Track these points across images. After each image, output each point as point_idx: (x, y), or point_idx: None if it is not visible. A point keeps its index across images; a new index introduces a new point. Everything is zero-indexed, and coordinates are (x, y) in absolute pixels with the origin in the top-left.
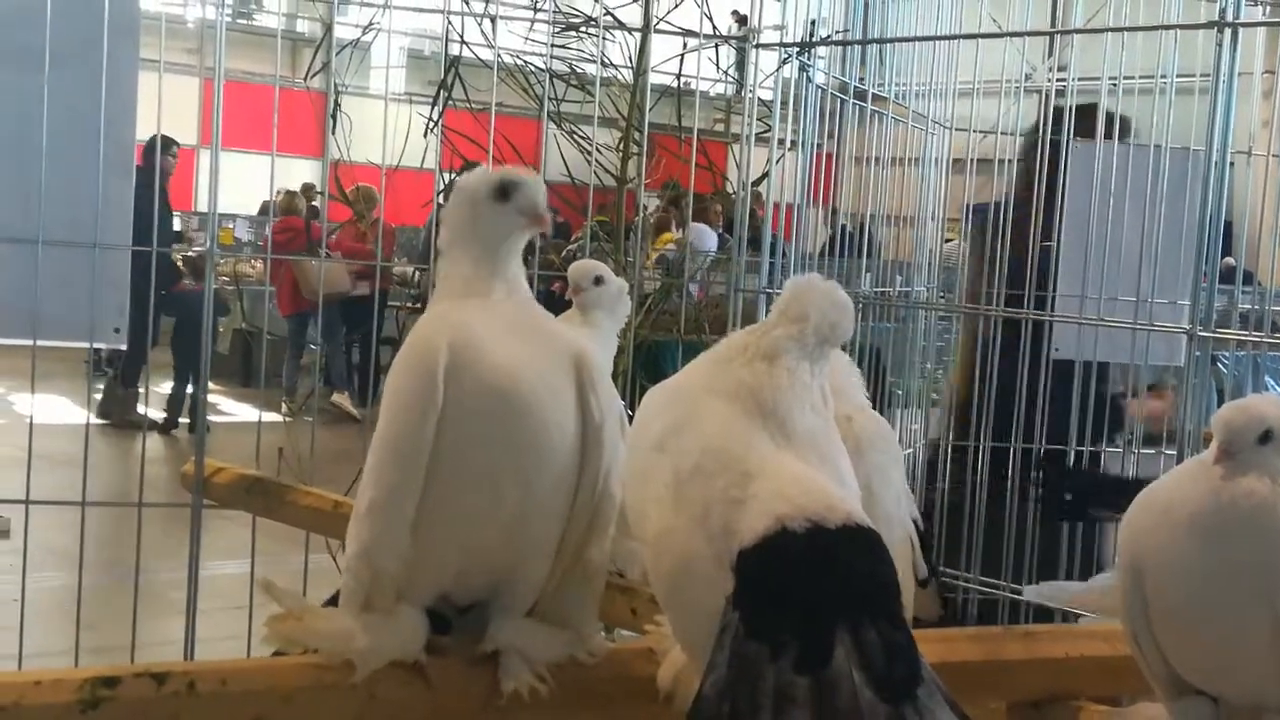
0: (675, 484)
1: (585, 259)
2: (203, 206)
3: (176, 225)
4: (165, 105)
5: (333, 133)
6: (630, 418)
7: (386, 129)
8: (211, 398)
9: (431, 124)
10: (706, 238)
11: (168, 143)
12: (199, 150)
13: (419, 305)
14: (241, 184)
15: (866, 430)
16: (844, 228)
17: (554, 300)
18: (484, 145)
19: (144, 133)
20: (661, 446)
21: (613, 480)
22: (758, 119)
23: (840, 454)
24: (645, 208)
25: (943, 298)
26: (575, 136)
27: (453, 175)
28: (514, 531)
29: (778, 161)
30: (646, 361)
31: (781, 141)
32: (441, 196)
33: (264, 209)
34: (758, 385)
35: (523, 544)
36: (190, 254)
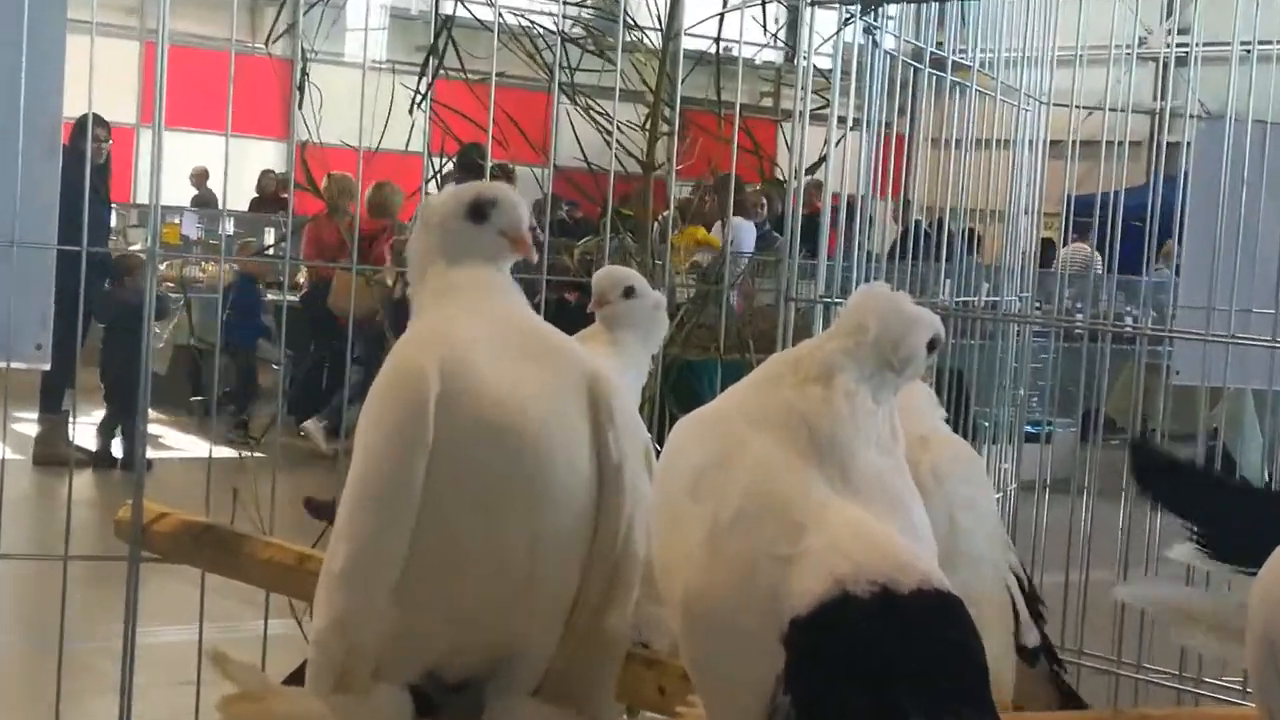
0: (712, 536)
1: (613, 265)
2: (143, 197)
3: (113, 221)
4: (99, 76)
5: (300, 108)
6: (658, 454)
7: (365, 104)
8: (152, 428)
9: (419, 98)
10: (744, 234)
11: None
12: (139, 130)
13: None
14: (189, 170)
15: (945, 454)
16: (918, 223)
17: (567, 312)
18: (482, 124)
19: (72, 109)
20: (695, 490)
21: (636, 532)
22: (813, 92)
23: (913, 499)
24: (677, 199)
25: (1038, 309)
26: (592, 113)
27: (444, 160)
28: (517, 595)
29: (837, 143)
30: (678, 386)
31: (842, 120)
32: (431, 185)
33: (199, 200)
34: (811, 413)
35: (527, 609)
36: (128, 253)
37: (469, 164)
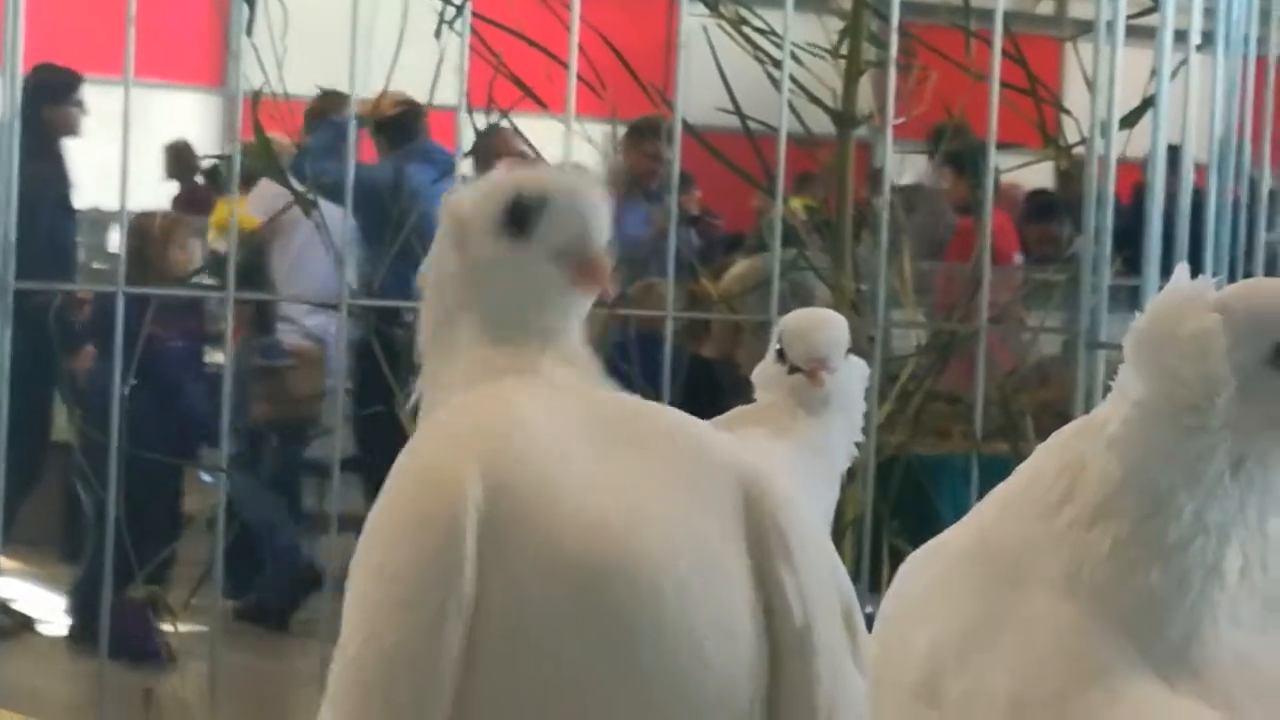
0: None
1: (817, 310)
2: None
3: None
4: None
5: (249, 34)
6: (869, 619)
7: (358, 23)
8: None
9: (449, 10)
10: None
11: (65, 80)
12: None
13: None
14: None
15: None
16: None
17: (704, 373)
18: (560, 57)
19: None
20: (931, 683)
21: None
22: None
23: None
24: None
25: None
26: (745, 31)
27: (489, 120)
28: None
29: (1172, 76)
30: (903, 499)
31: (1182, 37)
32: (470, 165)
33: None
34: (1097, 564)
35: None
36: None
37: None
